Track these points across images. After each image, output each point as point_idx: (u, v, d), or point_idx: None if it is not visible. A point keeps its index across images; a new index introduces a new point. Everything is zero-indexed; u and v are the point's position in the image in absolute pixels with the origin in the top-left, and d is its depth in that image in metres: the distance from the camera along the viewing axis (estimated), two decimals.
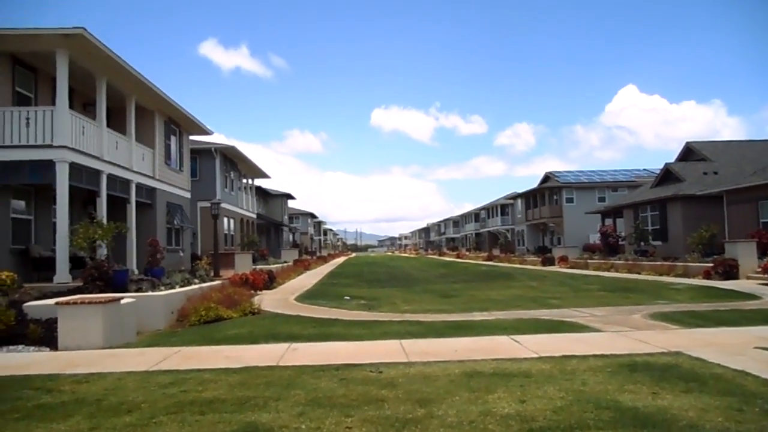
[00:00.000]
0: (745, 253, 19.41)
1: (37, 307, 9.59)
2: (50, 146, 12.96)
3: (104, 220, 13.75)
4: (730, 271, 18.85)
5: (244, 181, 36.13)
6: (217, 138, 27.22)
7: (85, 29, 12.69)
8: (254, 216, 38.05)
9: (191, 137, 24.06)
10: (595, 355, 6.70)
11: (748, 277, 18.57)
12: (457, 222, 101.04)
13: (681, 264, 22.13)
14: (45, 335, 8.79)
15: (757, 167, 26.52)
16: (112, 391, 5.53)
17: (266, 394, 5.29)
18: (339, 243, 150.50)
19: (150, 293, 11.40)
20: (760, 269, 18.26)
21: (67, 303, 8.69)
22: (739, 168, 29.36)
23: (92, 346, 8.23)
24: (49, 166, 12.88)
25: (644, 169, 52.79)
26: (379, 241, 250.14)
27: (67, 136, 13.13)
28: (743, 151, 33.18)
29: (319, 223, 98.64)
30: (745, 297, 13.68)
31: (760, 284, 16.70)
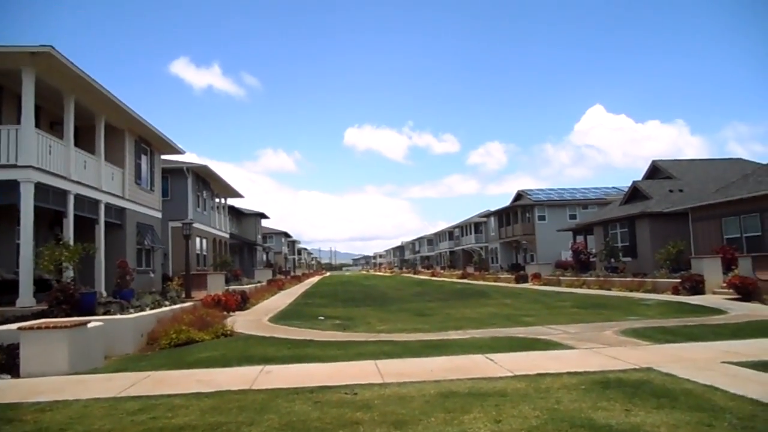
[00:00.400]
0: (710, 269, 19.92)
1: None
2: (15, 166, 12.62)
3: (71, 242, 13.41)
4: (697, 286, 19.31)
5: (217, 200, 35.73)
6: (189, 157, 27.00)
7: (52, 47, 12.49)
8: (227, 236, 37.58)
9: (163, 156, 23.75)
10: (569, 373, 6.75)
11: (714, 292, 19.04)
12: (431, 240, 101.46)
13: (650, 280, 22.58)
14: (6, 362, 8.43)
15: (720, 185, 27.38)
16: (77, 420, 5.33)
17: (239, 419, 5.17)
18: (313, 262, 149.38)
19: (119, 316, 11.10)
20: (725, 284, 18.74)
21: (31, 328, 8.39)
22: (704, 186, 30.27)
23: (57, 373, 7.95)
24: (13, 186, 12.53)
25: (613, 187, 54.01)
26: (354, 259, 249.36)
27: (33, 156, 12.83)
28: (707, 169, 34.27)
29: (293, 242, 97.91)
30: (711, 312, 14.00)
31: (725, 299, 17.13)
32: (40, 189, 13.11)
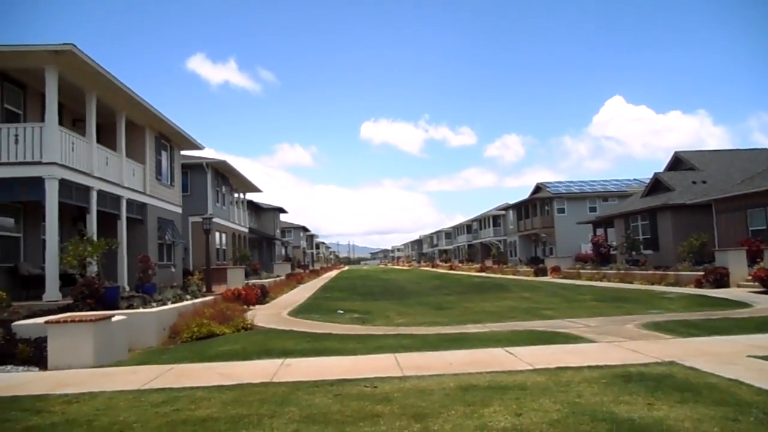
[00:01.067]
0: (735, 261, 19.55)
1: (26, 326, 9.46)
2: (39, 163, 12.87)
3: (94, 237, 13.64)
4: (721, 279, 18.97)
5: (236, 195, 36.05)
6: (206, 153, 27.23)
7: (74, 45, 12.68)
8: (246, 230, 37.92)
9: (182, 152, 24.00)
10: (589, 366, 6.69)
11: (739, 285, 18.70)
12: (449, 234, 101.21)
13: (672, 273, 22.25)
14: (34, 355, 8.66)
15: (745, 176, 26.83)
16: (103, 411, 5.45)
17: (260, 411, 5.23)
18: (332, 256, 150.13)
19: (141, 310, 11.29)
20: (750, 277, 18.39)
21: (57, 321, 8.58)
22: (728, 177, 29.69)
23: (83, 365, 8.12)
24: (38, 183, 12.78)
25: (634, 179, 53.26)
26: (372, 253, 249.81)
27: (57, 153, 13.06)
28: (731, 160, 33.59)
29: (312, 236, 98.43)
30: (736, 305, 13.76)
31: (750, 292, 16.81)
32: (64, 185, 13.35)
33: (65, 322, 8.53)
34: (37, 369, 8.25)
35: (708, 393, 5.33)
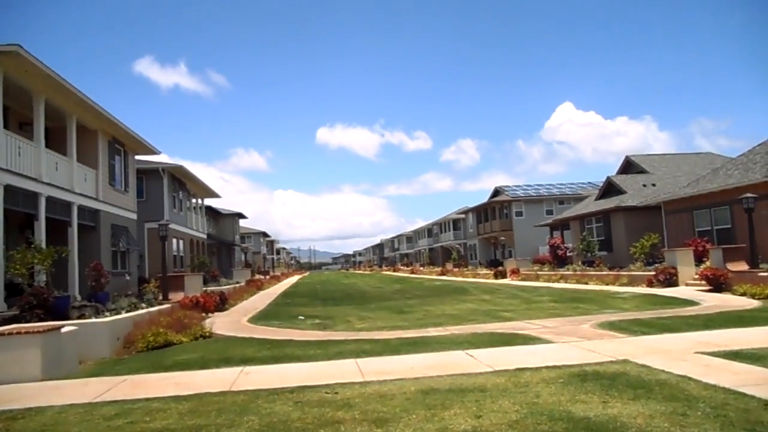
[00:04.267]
0: (683, 261, 20.35)
1: None
2: None
3: (43, 244, 13.10)
4: (671, 278, 19.72)
5: (193, 201, 35.28)
6: (161, 158, 26.55)
7: (20, 46, 12.18)
8: (204, 236, 37.15)
9: (137, 157, 23.35)
10: (547, 367, 6.84)
11: (687, 284, 19.47)
12: (410, 238, 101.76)
13: (625, 273, 22.98)
14: None
15: (691, 179, 28.00)
16: (51, 427, 5.22)
17: (218, 421, 5.12)
18: (293, 261, 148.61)
19: (94, 320, 10.89)
20: (697, 276, 19.17)
21: (1, 333, 8.19)
22: (675, 179, 30.94)
23: (30, 379, 7.76)
24: None
25: (588, 182, 54.86)
26: (333, 258, 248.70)
27: (2, 157, 12.51)
28: (678, 163, 35.02)
29: (272, 242, 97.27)
30: (685, 303, 14.31)
31: (697, 290, 17.53)
32: (10, 191, 12.79)
33: (10, 333, 8.15)
34: None
35: (659, 389, 5.53)
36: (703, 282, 18.05)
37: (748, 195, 17.35)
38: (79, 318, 11.11)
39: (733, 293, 15.95)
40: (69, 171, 16.14)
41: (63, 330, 8.81)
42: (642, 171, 34.21)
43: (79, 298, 15.09)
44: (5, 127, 13.18)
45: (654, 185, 31.08)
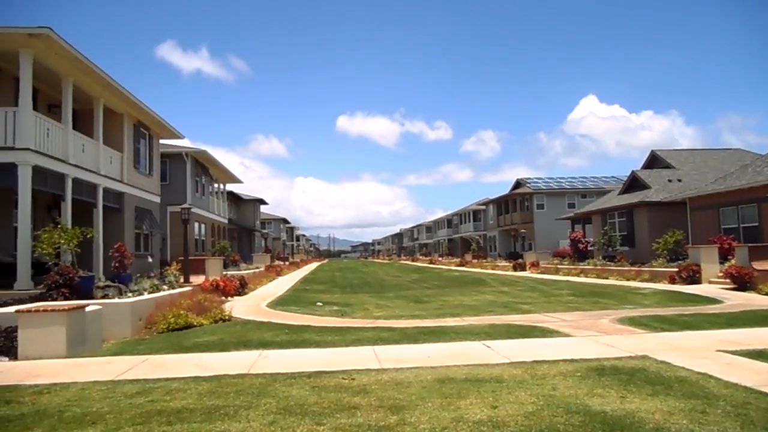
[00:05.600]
0: (707, 258, 19.97)
1: None
2: (12, 148, 12.56)
3: (69, 225, 13.38)
4: (694, 275, 19.38)
5: (216, 185, 35.66)
6: (184, 142, 26.85)
7: (50, 29, 12.38)
8: (225, 221, 37.56)
9: (162, 141, 23.63)
10: (565, 360, 6.79)
11: (711, 282, 19.12)
12: (429, 228, 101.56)
13: (647, 269, 22.65)
14: (4, 344, 8.46)
15: (718, 175, 27.40)
16: (75, 402, 5.36)
17: (236, 402, 5.20)
18: (312, 249, 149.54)
19: (117, 300, 11.12)
20: (721, 274, 18.81)
21: (29, 311, 8.41)
22: (702, 176, 30.30)
23: (55, 356, 7.97)
24: (10, 169, 12.47)
25: (612, 176, 54.00)
26: (353, 246, 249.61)
27: (31, 138, 12.76)
28: (705, 159, 34.26)
29: (292, 228, 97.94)
30: (707, 301, 14.07)
31: (721, 288, 17.21)
32: (38, 172, 13.06)
33: (37, 311, 8.36)
34: (6, 359, 8.08)
35: (678, 386, 5.45)
36: (727, 280, 17.72)
37: None
38: (102, 298, 11.34)
39: (759, 292, 15.62)
40: (95, 153, 16.42)
41: (87, 309, 9.02)
42: (668, 166, 33.56)
43: (103, 278, 15.39)
44: (35, 108, 13.43)
45: (680, 181, 30.48)
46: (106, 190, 17.05)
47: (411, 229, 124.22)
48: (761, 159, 24.98)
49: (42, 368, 7.15)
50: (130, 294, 12.15)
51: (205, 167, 31.65)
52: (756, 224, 21.83)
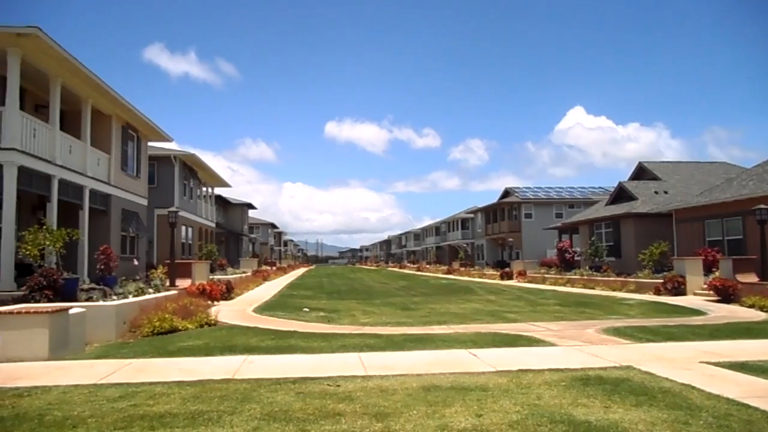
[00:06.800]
0: (692, 270, 20.18)
1: None
2: None
3: (54, 226, 13.23)
4: (679, 287, 19.57)
5: (204, 189, 35.48)
6: (172, 145, 26.70)
7: (39, 28, 12.29)
8: (213, 225, 37.35)
9: (150, 143, 23.49)
10: (550, 369, 6.82)
11: (695, 293, 19.31)
12: (418, 235, 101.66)
13: (633, 280, 22.83)
14: None
15: (704, 188, 27.76)
16: (56, 405, 5.29)
17: (220, 407, 5.16)
18: (299, 254, 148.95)
19: (101, 303, 11.00)
20: (706, 286, 19.02)
21: (11, 312, 8.29)
22: (688, 188, 30.67)
23: (37, 358, 7.86)
24: None
25: (599, 187, 54.49)
26: (340, 252, 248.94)
27: (17, 138, 12.63)
28: (691, 172, 34.70)
29: (280, 233, 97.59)
30: (692, 312, 14.21)
31: (705, 300, 17.39)
32: (24, 172, 12.92)
33: (19, 313, 8.25)
34: None
35: (662, 397, 5.50)
36: (712, 292, 17.91)
37: (762, 206, 17.15)
38: (86, 300, 11.22)
39: (742, 305, 15.80)
40: (82, 154, 16.28)
41: (71, 312, 8.91)
42: (655, 178, 33.93)
43: (87, 280, 15.24)
44: (21, 108, 13.30)
45: (666, 193, 30.82)
46: (92, 192, 16.89)
47: (399, 236, 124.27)
48: (746, 173, 25.35)
49: (23, 371, 7.04)
50: (114, 297, 12.03)
51: (193, 170, 31.49)
52: (740, 237, 22.12)
